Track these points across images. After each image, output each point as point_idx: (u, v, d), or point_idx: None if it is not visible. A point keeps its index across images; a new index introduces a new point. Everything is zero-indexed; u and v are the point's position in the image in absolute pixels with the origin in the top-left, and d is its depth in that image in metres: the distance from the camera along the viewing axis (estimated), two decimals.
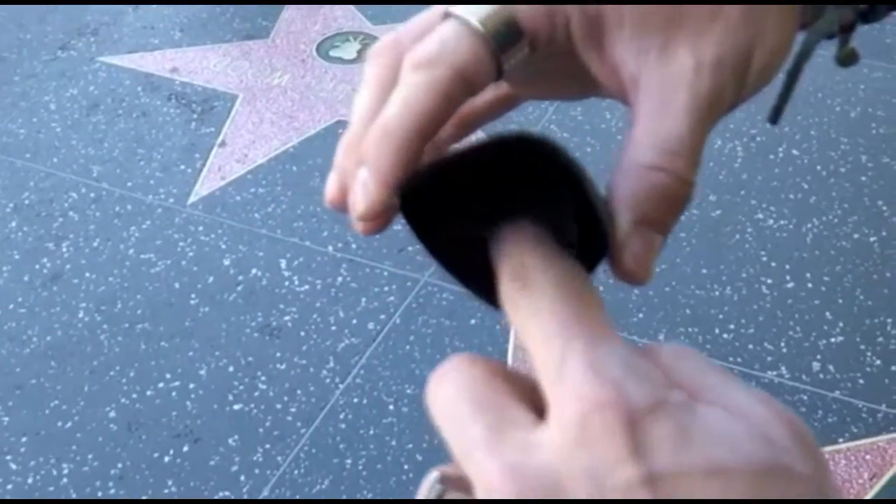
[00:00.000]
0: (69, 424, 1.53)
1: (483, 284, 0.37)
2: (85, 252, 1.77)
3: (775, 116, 0.46)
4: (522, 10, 0.41)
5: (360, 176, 0.39)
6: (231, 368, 1.60)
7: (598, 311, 0.35)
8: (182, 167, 1.90)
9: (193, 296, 1.69)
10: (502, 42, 0.40)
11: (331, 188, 0.42)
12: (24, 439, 1.52)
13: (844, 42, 0.48)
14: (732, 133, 1.94)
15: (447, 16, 0.41)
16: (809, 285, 1.70)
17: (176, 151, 1.93)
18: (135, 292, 1.70)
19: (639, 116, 0.41)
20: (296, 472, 1.47)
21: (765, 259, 1.73)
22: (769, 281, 1.70)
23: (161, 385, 1.58)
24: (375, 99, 0.42)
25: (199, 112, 2.00)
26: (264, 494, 1.45)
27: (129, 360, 1.61)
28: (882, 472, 1.48)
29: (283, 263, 1.73)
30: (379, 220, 0.39)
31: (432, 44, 0.40)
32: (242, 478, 1.47)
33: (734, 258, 1.74)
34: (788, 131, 1.94)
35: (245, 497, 1.45)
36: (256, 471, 1.47)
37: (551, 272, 0.37)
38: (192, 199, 1.84)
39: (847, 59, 0.49)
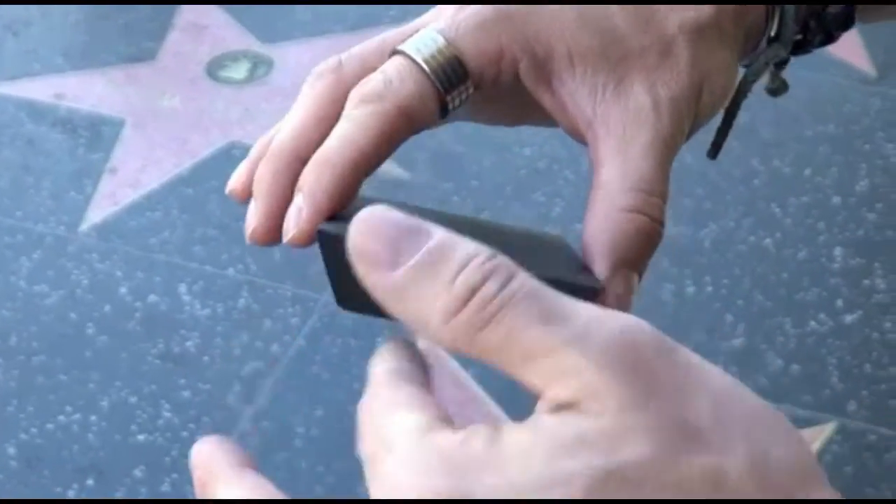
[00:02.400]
0: None
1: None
2: None
3: (715, 152, 0.48)
4: (469, 51, 0.41)
5: (295, 201, 0.40)
6: (133, 399, 1.56)
7: None
8: (72, 194, 1.85)
9: (90, 325, 1.65)
10: (447, 81, 0.42)
11: (236, 180, 0.44)
12: None
13: (777, 74, 0.50)
14: None
15: (394, 53, 0.42)
16: (710, 289, 1.73)
17: (65, 178, 1.88)
18: (29, 324, 1.65)
19: (603, 157, 0.42)
20: None
21: (665, 265, 1.75)
22: (670, 286, 1.73)
23: (61, 418, 1.53)
24: (309, 120, 0.43)
25: (86, 137, 1.95)
26: None
27: (26, 395, 1.56)
28: None
29: (183, 288, 1.69)
30: (303, 245, 0.41)
31: (377, 80, 0.41)
32: None
33: None
34: None
35: None
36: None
37: None
38: (84, 226, 1.79)
39: (779, 90, 0.51)
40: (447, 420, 0.30)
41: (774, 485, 0.29)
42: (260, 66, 2.07)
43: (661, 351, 0.30)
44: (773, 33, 0.46)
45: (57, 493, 1.44)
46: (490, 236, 0.36)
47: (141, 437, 1.52)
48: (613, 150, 0.41)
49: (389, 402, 0.31)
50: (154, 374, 1.59)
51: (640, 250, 0.41)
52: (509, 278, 0.29)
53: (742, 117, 1.79)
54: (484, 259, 0.30)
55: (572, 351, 0.29)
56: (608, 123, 0.41)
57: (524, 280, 0.30)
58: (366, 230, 0.31)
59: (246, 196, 0.43)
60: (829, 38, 0.47)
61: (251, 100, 2.01)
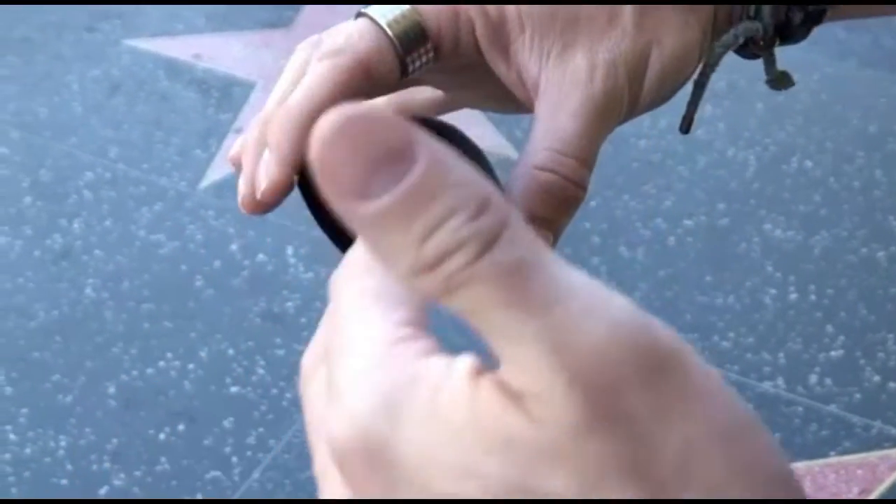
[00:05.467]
0: (69, 398, 1.56)
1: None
2: (96, 230, 1.79)
3: (686, 126, 0.47)
4: (427, 12, 0.44)
5: (263, 158, 0.42)
6: (231, 351, 1.62)
7: None
8: (197, 152, 1.92)
9: (199, 278, 1.71)
10: (406, 41, 0.43)
11: (233, 151, 0.46)
12: (24, 410, 1.54)
13: (770, 63, 0.48)
14: (746, 142, 1.94)
15: (359, 15, 0.44)
16: (813, 297, 1.70)
17: (192, 136, 1.95)
18: (142, 272, 1.72)
19: (536, 118, 0.42)
20: (287, 456, 1.49)
21: (770, 269, 1.73)
22: (773, 291, 1.70)
23: (161, 364, 1.60)
24: (287, 86, 0.45)
25: (217, 98, 2.02)
26: (255, 477, 1.47)
27: (131, 339, 1.63)
28: (871, 488, 1.47)
29: (290, 250, 1.74)
30: (276, 197, 0.42)
31: (339, 37, 0.43)
32: (234, 459, 1.49)
33: (739, 267, 1.74)
34: (803, 143, 1.93)
35: (236, 478, 1.47)
36: (248, 453, 1.49)
37: None
38: (205, 183, 1.86)
39: (779, 81, 0.49)
40: (421, 324, 0.28)
41: None
42: None
43: (651, 369, 0.25)
44: (751, 13, 0.45)
45: (149, 434, 1.51)
46: None
47: (234, 390, 1.57)
48: (545, 112, 0.42)
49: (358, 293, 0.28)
50: (253, 331, 1.64)
51: (549, 208, 0.41)
52: (485, 248, 0.25)
53: (870, 128, 1.75)
54: (463, 220, 0.25)
55: (536, 346, 0.25)
56: (548, 86, 0.42)
57: (502, 253, 0.25)
58: (338, 141, 0.25)
59: (237, 164, 0.46)
60: (811, 18, 0.46)
61: None
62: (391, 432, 0.26)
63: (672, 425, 0.25)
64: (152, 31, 2.15)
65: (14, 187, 1.86)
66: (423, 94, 0.50)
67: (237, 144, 0.48)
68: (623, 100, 0.43)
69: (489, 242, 0.25)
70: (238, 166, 0.47)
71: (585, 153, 0.42)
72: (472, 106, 0.51)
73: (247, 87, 2.02)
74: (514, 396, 0.25)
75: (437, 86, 0.48)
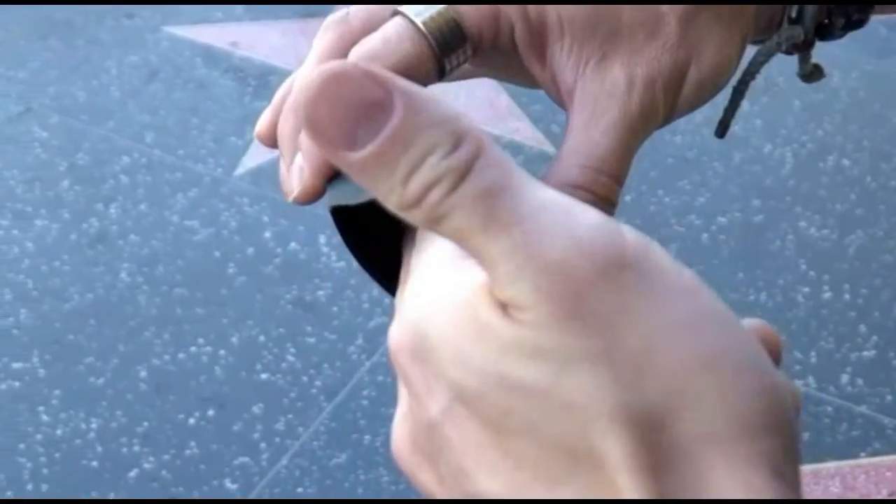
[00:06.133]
0: (101, 381, 1.57)
1: (387, 272, 0.38)
2: (132, 215, 1.80)
3: (722, 130, 0.47)
4: (467, 14, 0.42)
5: (297, 161, 0.42)
6: (262, 338, 1.62)
7: None
8: (233, 139, 1.93)
9: (232, 264, 1.72)
10: (445, 44, 0.42)
11: (260, 126, 0.46)
12: (56, 392, 1.56)
13: (805, 59, 0.48)
14: (783, 139, 1.93)
15: (395, 13, 0.43)
16: (847, 297, 1.69)
17: (228, 123, 1.96)
18: (176, 257, 1.73)
19: (570, 130, 0.42)
20: (315, 443, 1.50)
21: (804, 267, 1.72)
22: (806, 290, 1.69)
23: (193, 349, 1.61)
24: (317, 66, 0.44)
25: (254, 86, 2.03)
26: (283, 463, 1.47)
27: (164, 323, 1.64)
28: None
29: (323, 239, 1.75)
30: (309, 201, 0.42)
31: (376, 40, 0.42)
32: (263, 445, 1.49)
33: (772, 264, 1.73)
34: (841, 141, 1.92)
35: (263, 464, 1.48)
36: (277, 439, 1.50)
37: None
38: (240, 170, 1.87)
39: (810, 75, 0.49)
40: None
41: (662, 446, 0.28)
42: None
43: (613, 272, 0.28)
44: (793, 14, 0.45)
45: (179, 419, 1.52)
46: None
47: (264, 376, 1.58)
48: (579, 125, 0.41)
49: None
50: (284, 318, 1.65)
51: None
52: (460, 179, 0.28)
53: None
54: (440, 156, 0.28)
55: (507, 262, 0.28)
56: (584, 97, 0.41)
57: (476, 181, 0.28)
58: (323, 101, 0.28)
59: (270, 143, 0.46)
60: (853, 24, 0.46)
61: None
62: (430, 330, 0.30)
63: (634, 318, 0.28)
64: (191, 18, 2.16)
65: (52, 171, 1.88)
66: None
67: (264, 121, 0.47)
68: (658, 114, 0.42)
69: (464, 172, 0.28)
70: (266, 144, 0.46)
71: (619, 171, 0.41)
72: (499, 79, 0.50)
73: (284, 76, 2.01)
74: (502, 306, 0.29)
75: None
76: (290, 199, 0.44)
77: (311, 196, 0.42)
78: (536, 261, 0.28)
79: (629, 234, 0.29)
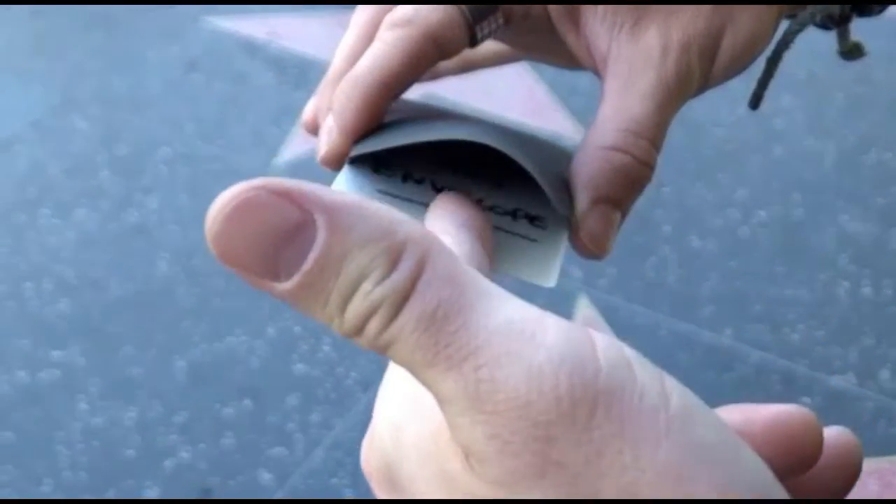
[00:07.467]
0: (139, 371, 1.58)
1: None
2: (171, 206, 1.81)
3: (755, 102, 0.46)
4: None
5: (326, 122, 0.42)
6: (298, 329, 1.63)
7: None
8: (272, 130, 1.93)
9: None
10: (477, 12, 0.42)
11: (307, 114, 0.46)
12: (95, 381, 1.57)
13: (843, 35, 0.48)
14: (824, 132, 1.91)
15: None
16: (888, 292, 1.67)
17: (267, 114, 1.97)
18: None
19: (606, 95, 0.41)
20: (350, 434, 1.50)
21: (844, 262, 1.70)
22: (846, 284, 1.67)
23: (230, 339, 1.62)
24: (356, 45, 0.44)
25: (293, 77, 2.03)
26: (318, 454, 1.48)
27: (201, 314, 1.65)
28: None
29: None
30: (336, 164, 0.42)
31: (408, 7, 0.42)
32: (298, 436, 1.50)
33: (812, 259, 1.71)
34: (883, 134, 1.90)
35: (299, 455, 1.48)
36: (312, 430, 1.50)
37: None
38: (279, 161, 1.87)
39: (850, 52, 0.49)
40: None
41: None
42: None
43: (580, 412, 0.24)
44: None
45: (215, 409, 1.53)
46: (500, 136, 0.37)
47: (300, 367, 1.58)
48: (615, 89, 0.41)
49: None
50: None
51: (620, 188, 0.40)
52: (399, 306, 0.25)
53: None
54: (375, 280, 0.25)
55: (457, 405, 0.25)
56: (618, 62, 0.41)
57: (418, 306, 0.25)
58: (233, 235, 0.25)
59: (315, 131, 0.46)
60: None
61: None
62: (401, 469, 0.28)
63: (612, 468, 0.24)
64: (230, 10, 2.16)
65: (92, 161, 1.89)
66: (484, 47, 0.49)
67: (309, 109, 0.48)
68: (694, 80, 0.42)
69: (404, 297, 0.25)
70: (311, 132, 0.47)
71: (656, 134, 0.41)
72: (534, 60, 0.50)
73: (323, 67, 2.02)
74: (464, 452, 0.26)
75: (500, 41, 0.47)
76: (318, 159, 0.44)
77: (339, 156, 0.42)
78: (491, 403, 0.24)
79: (602, 356, 0.24)
